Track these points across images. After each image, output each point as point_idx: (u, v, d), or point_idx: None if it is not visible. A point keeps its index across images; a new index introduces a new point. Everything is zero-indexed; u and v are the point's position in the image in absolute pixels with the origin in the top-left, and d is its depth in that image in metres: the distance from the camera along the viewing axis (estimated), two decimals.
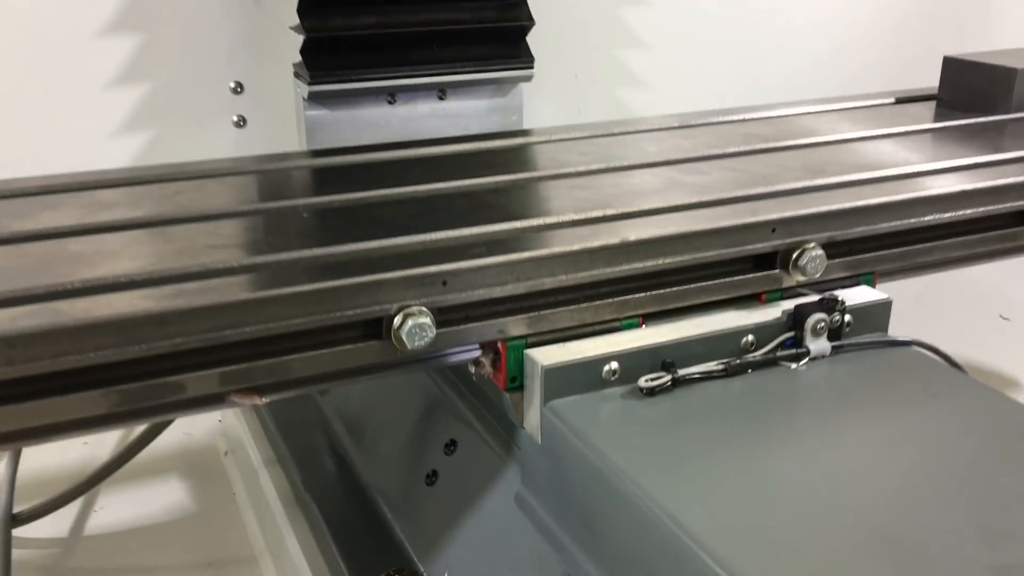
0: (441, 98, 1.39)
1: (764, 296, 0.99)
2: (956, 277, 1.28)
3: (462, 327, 0.86)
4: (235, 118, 1.63)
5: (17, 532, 1.25)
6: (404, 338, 0.82)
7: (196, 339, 0.76)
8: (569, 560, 0.85)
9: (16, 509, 1.26)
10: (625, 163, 1.13)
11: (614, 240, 0.90)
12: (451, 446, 1.07)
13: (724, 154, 1.17)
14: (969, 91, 1.43)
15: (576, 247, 0.88)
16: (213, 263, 0.83)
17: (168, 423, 1.30)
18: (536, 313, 0.89)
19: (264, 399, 0.82)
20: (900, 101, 1.48)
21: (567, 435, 0.84)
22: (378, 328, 0.83)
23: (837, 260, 1.01)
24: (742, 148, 1.19)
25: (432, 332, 0.83)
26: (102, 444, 1.51)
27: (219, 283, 0.80)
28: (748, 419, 0.85)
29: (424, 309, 0.83)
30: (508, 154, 1.20)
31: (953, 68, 1.46)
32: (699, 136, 1.26)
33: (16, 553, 1.23)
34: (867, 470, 0.77)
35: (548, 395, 0.87)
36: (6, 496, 1.25)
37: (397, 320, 0.82)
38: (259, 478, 1.28)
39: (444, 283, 0.84)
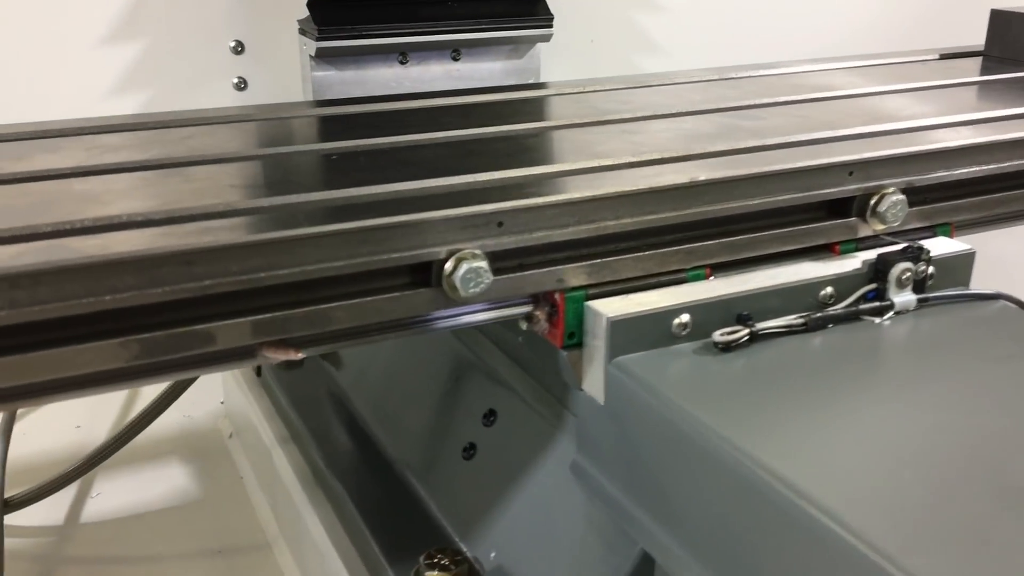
0: (455, 58, 1.31)
1: (838, 247, 0.90)
2: None
3: (517, 275, 0.77)
4: (236, 80, 1.53)
5: (8, 520, 1.15)
6: (458, 284, 0.73)
7: (226, 282, 0.66)
8: (640, 531, 0.76)
9: (7, 494, 1.16)
10: (673, 111, 1.04)
11: (683, 179, 0.81)
12: (490, 416, 0.98)
13: (777, 102, 1.09)
14: (1017, 44, 1.35)
15: (642, 186, 0.79)
16: (239, 202, 0.74)
17: (182, 389, 1.21)
18: (598, 261, 0.80)
19: (300, 354, 0.73)
20: (944, 57, 1.40)
21: (637, 393, 0.75)
22: (426, 275, 0.74)
23: (914, 209, 0.92)
24: (794, 97, 1.11)
25: (488, 278, 0.73)
26: (96, 428, 1.42)
27: (248, 221, 0.70)
28: (836, 375, 0.76)
29: (478, 252, 0.73)
30: (542, 102, 1.11)
31: (1001, 21, 1.38)
32: (744, 87, 1.18)
33: (8, 542, 1.12)
34: (974, 425, 0.68)
35: (613, 351, 0.78)
36: None
37: (449, 265, 0.73)
38: (272, 457, 1.18)
39: (500, 224, 0.75)
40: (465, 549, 0.91)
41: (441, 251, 0.73)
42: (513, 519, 0.90)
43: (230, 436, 1.44)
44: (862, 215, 0.90)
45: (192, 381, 1.26)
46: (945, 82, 1.22)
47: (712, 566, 0.69)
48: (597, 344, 0.79)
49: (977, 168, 0.94)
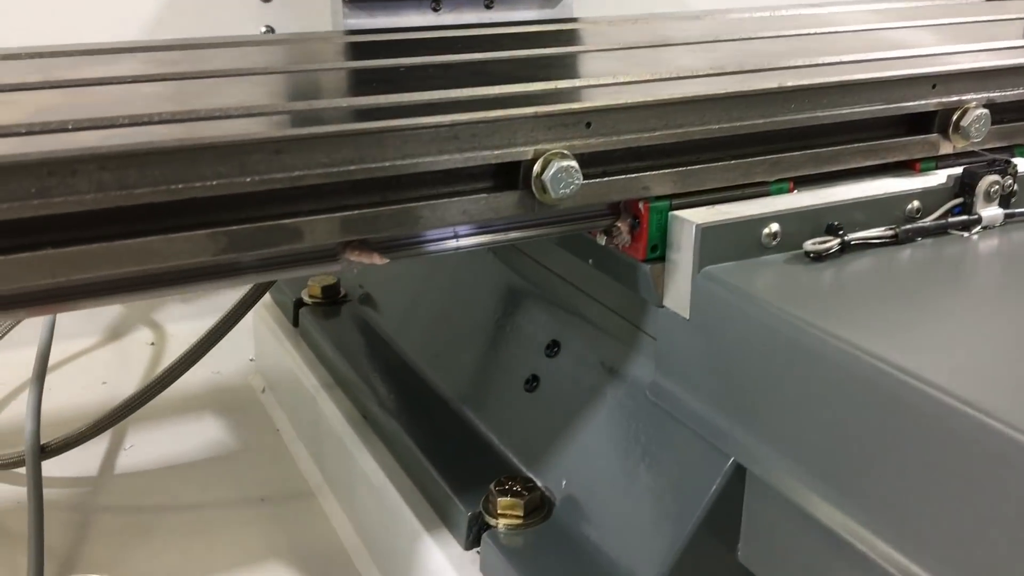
0: (488, 6, 1.27)
1: (919, 165, 0.88)
2: None
3: (603, 180, 0.74)
4: (263, 28, 1.49)
5: (44, 471, 1.11)
6: (548, 184, 0.70)
7: (315, 175, 0.63)
8: (733, 444, 0.73)
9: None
10: (739, 36, 1.01)
11: (771, 84, 0.78)
12: (553, 347, 0.95)
13: (844, 31, 1.06)
14: None
15: (731, 89, 0.77)
16: (319, 103, 0.70)
17: (211, 344, 1.17)
18: (683, 169, 0.77)
19: (384, 259, 0.70)
20: None
21: (731, 301, 0.72)
22: (513, 177, 0.71)
23: (993, 128, 0.90)
24: (857, 28, 1.08)
25: (579, 178, 0.71)
26: (122, 384, 1.38)
27: (333, 116, 0.67)
28: (930, 284, 0.74)
29: (567, 153, 0.70)
30: (602, 29, 1.08)
31: None
32: (801, 21, 1.15)
33: (45, 493, 1.08)
34: None
35: (702, 261, 0.75)
36: (32, 424, 1.11)
37: (539, 166, 0.70)
38: (317, 403, 1.15)
39: (588, 125, 0.72)
40: (534, 478, 0.88)
41: (528, 151, 0.70)
42: (583, 447, 0.87)
43: (263, 391, 1.40)
44: (944, 131, 0.87)
45: (221, 336, 1.23)
46: (1005, 17, 1.20)
47: (815, 468, 0.66)
48: (682, 256, 0.76)
49: None
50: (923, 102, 0.85)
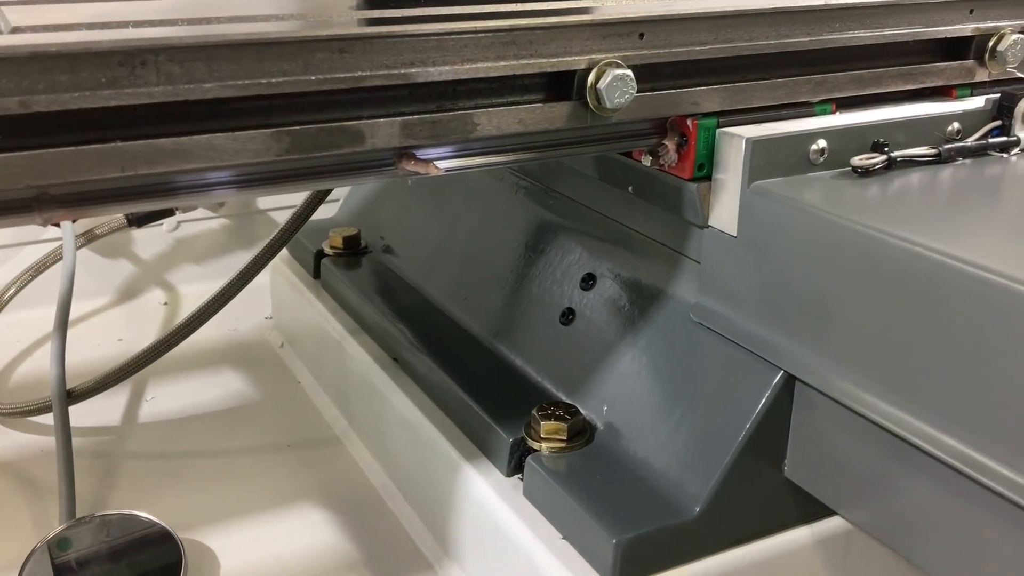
0: None
1: (955, 91, 0.88)
2: None
3: (655, 94, 0.74)
4: None
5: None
6: (604, 93, 0.70)
7: (378, 75, 0.63)
8: (783, 355, 0.74)
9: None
10: None
11: (817, 1, 0.78)
12: (588, 280, 0.95)
13: None
14: None
15: (778, 4, 0.77)
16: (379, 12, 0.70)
17: (227, 299, 1.17)
18: (731, 85, 0.77)
19: (440, 169, 0.70)
20: None
21: (782, 213, 0.73)
22: (568, 87, 0.71)
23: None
24: None
25: (634, 88, 0.71)
26: (138, 343, 1.37)
27: (394, 20, 0.67)
28: (976, 199, 0.74)
29: (621, 62, 0.71)
30: None
31: None
32: None
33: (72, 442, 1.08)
34: None
35: (752, 175, 0.75)
36: (57, 369, 1.11)
37: (593, 75, 0.70)
38: (344, 348, 1.15)
39: (641, 36, 0.72)
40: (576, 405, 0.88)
41: (583, 60, 0.70)
42: (623, 374, 0.87)
43: (281, 346, 1.40)
44: (980, 58, 0.88)
45: (239, 290, 1.22)
46: None
47: (872, 368, 0.67)
48: (730, 172, 0.77)
49: None
50: (960, 26, 0.86)
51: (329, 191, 1.21)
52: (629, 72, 0.70)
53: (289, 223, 1.18)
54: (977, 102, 0.85)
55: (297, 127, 0.62)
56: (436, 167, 0.69)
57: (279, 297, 1.41)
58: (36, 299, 1.36)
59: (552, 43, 0.69)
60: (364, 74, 0.63)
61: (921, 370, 0.64)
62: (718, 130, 0.78)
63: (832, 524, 0.82)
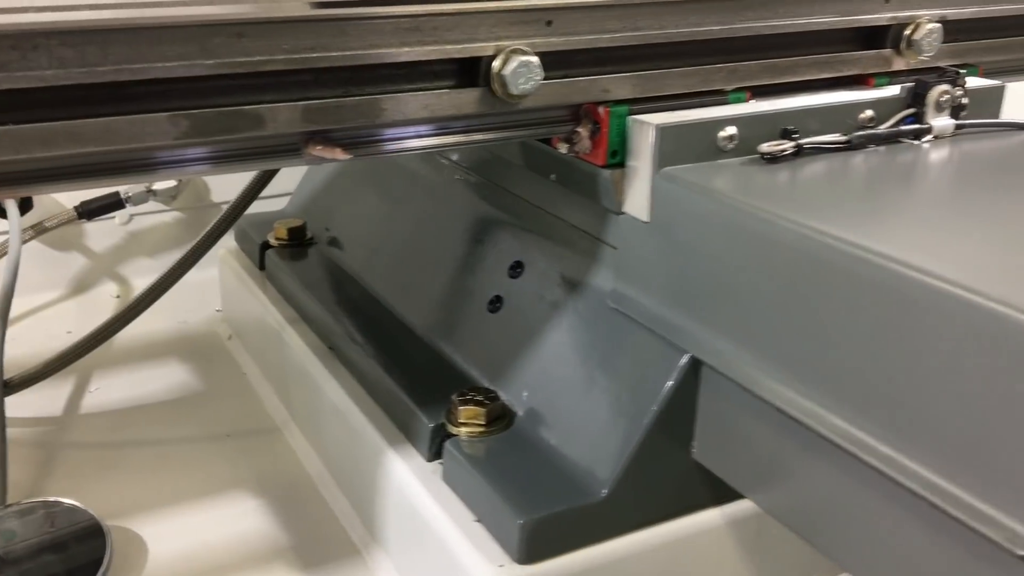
0: None
1: (873, 80, 0.90)
2: None
3: (564, 81, 0.75)
4: None
5: (7, 411, 1.10)
6: (508, 79, 0.71)
7: (278, 60, 0.64)
8: (689, 339, 0.75)
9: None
10: None
11: None
12: (516, 268, 0.96)
13: None
14: None
15: None
16: None
17: (176, 277, 1.17)
18: (642, 73, 0.78)
19: (347, 154, 0.71)
20: None
21: (689, 198, 0.74)
22: (475, 74, 0.72)
23: (945, 46, 0.92)
24: None
25: (539, 74, 0.72)
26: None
27: (293, 5, 0.68)
28: (883, 186, 0.75)
29: (527, 49, 0.72)
30: None
31: None
32: None
33: (8, 432, 1.08)
34: None
35: (661, 161, 0.76)
36: None
37: (499, 61, 0.71)
38: (282, 337, 1.15)
39: (549, 23, 0.73)
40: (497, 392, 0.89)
41: (489, 47, 0.71)
42: (544, 360, 0.88)
43: (229, 338, 1.40)
44: (896, 46, 0.89)
45: (179, 277, 1.23)
46: None
47: (771, 352, 0.68)
48: (641, 161, 0.78)
49: (1009, 6, 0.94)
50: (876, 16, 0.87)
51: (272, 174, 1.21)
52: (535, 59, 0.71)
53: (229, 211, 1.18)
54: (893, 90, 0.87)
55: (195, 111, 0.63)
56: (343, 152, 0.70)
57: (227, 289, 1.42)
58: None
59: (457, 29, 0.70)
60: (263, 59, 0.63)
61: (815, 353, 0.65)
62: (629, 117, 0.78)
63: (744, 506, 0.83)
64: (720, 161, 0.79)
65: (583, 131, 0.79)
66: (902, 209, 0.71)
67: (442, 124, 0.74)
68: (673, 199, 0.76)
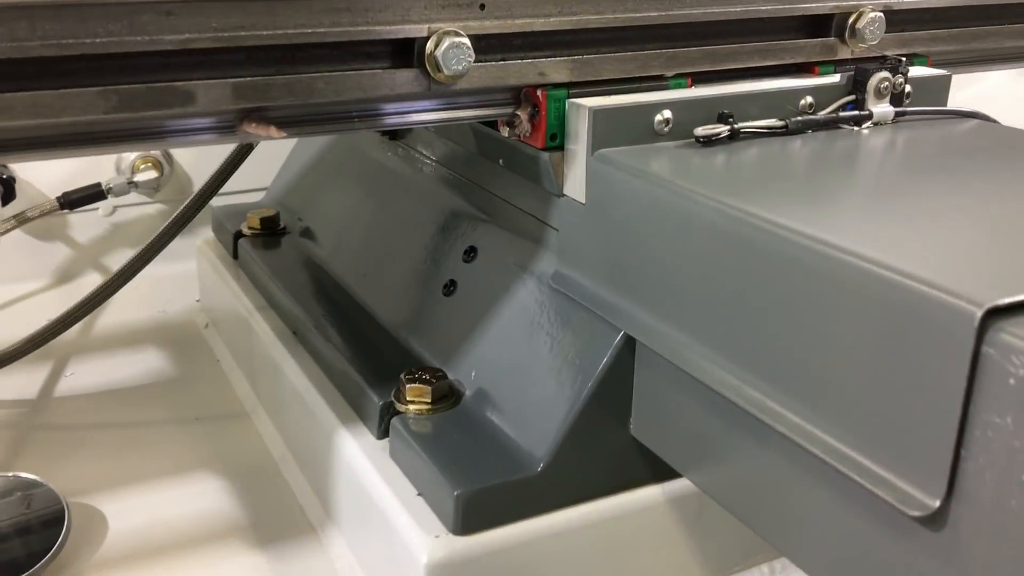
0: None
1: (818, 69, 0.91)
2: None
3: (500, 63, 0.77)
4: None
5: None
6: (440, 60, 0.72)
7: (205, 38, 0.66)
8: (623, 317, 0.76)
9: None
10: None
11: None
12: (470, 253, 0.98)
13: None
14: None
15: None
16: None
17: (158, 250, 1.20)
18: (579, 57, 0.80)
19: (281, 133, 0.72)
20: None
21: (620, 178, 0.75)
22: (409, 55, 0.74)
23: (891, 35, 0.93)
24: None
25: (471, 56, 0.73)
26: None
27: None
28: (818, 171, 0.77)
29: (460, 32, 0.73)
30: None
31: None
32: None
33: None
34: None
35: (596, 143, 0.78)
36: None
37: (432, 43, 0.73)
38: (250, 323, 1.17)
39: (482, 7, 0.75)
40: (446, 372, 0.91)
41: (423, 28, 0.73)
42: (491, 340, 0.89)
43: (206, 326, 1.42)
44: (840, 35, 0.90)
45: (154, 256, 1.26)
46: None
47: (697, 331, 0.69)
48: (579, 138, 0.79)
49: None
50: (819, 4, 0.88)
51: (243, 156, 1.24)
52: (466, 40, 0.73)
53: (201, 192, 1.21)
54: (833, 79, 0.88)
55: (125, 86, 0.65)
56: (277, 131, 0.72)
57: (204, 278, 1.44)
58: None
59: (388, 11, 0.71)
60: (192, 36, 0.65)
61: (732, 327, 0.66)
62: (568, 101, 0.80)
63: (685, 484, 0.84)
64: (656, 144, 0.80)
65: (523, 114, 0.81)
66: (823, 189, 0.72)
67: (381, 104, 0.76)
68: (606, 180, 0.77)
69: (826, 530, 0.62)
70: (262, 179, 1.50)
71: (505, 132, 0.84)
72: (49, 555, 0.90)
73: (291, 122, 0.73)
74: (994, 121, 0.90)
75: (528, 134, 0.82)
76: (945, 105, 0.92)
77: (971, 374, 0.50)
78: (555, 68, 0.79)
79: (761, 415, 0.63)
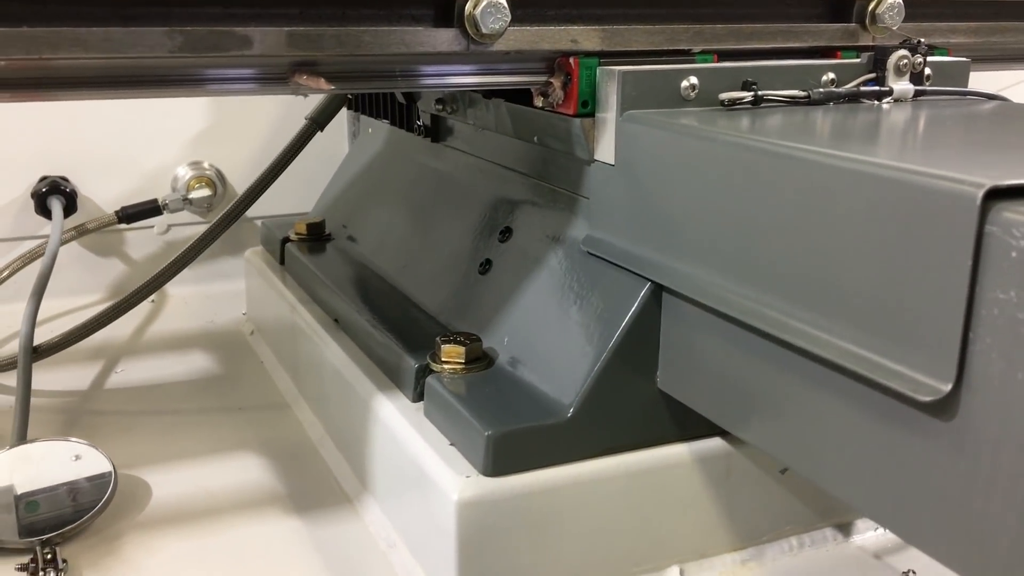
0: None
1: (840, 54, 0.95)
2: None
3: (534, 27, 0.82)
4: None
5: (36, 384, 1.17)
6: (479, 18, 0.78)
7: None
8: (652, 268, 0.80)
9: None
10: None
11: None
12: (506, 233, 1.02)
13: None
14: None
15: None
16: None
17: (206, 245, 1.25)
18: (610, 27, 0.85)
19: (330, 85, 0.78)
20: None
21: (647, 133, 0.79)
22: (450, 14, 0.79)
23: (910, 24, 0.97)
24: None
25: (507, 15, 0.78)
26: (120, 333, 1.45)
27: None
28: (839, 136, 0.80)
29: None
30: None
31: None
32: None
33: (34, 401, 1.15)
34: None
35: (625, 105, 0.82)
36: (27, 327, 1.19)
37: (471, 3, 0.78)
38: (294, 318, 1.22)
39: None
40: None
41: None
42: (524, 308, 0.92)
43: (251, 333, 1.47)
44: (861, 21, 0.94)
45: (210, 244, 1.32)
46: None
47: (720, 265, 0.72)
48: (609, 110, 0.84)
49: None
50: None
51: (286, 163, 1.30)
52: (503, 0, 0.78)
53: (247, 193, 1.27)
54: (855, 60, 0.92)
55: (190, 28, 0.70)
56: (327, 83, 0.77)
57: (251, 287, 1.49)
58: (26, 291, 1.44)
59: None
60: None
61: (752, 251, 0.69)
62: (599, 68, 0.85)
63: (713, 444, 0.86)
64: (683, 109, 0.84)
65: (556, 82, 0.86)
66: (841, 133, 0.76)
67: (423, 64, 0.81)
68: (634, 137, 0.81)
69: (848, 443, 0.64)
70: (307, 203, 1.56)
71: (539, 102, 0.88)
72: (94, 511, 0.93)
73: (339, 76, 0.78)
74: (1014, 104, 0.93)
75: (561, 101, 0.86)
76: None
77: (976, 253, 0.52)
78: (587, 36, 0.84)
79: (781, 333, 0.65)
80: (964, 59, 0.96)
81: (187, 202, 1.60)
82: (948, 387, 0.54)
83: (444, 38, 0.79)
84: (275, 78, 0.77)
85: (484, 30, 0.78)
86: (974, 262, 0.52)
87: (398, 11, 0.78)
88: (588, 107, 0.85)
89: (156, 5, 0.69)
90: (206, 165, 1.65)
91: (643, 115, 0.81)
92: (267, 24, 0.73)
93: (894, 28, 0.94)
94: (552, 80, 0.86)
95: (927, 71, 0.92)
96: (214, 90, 0.75)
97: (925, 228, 0.55)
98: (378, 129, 1.41)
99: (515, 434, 0.79)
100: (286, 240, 1.38)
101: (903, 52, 0.89)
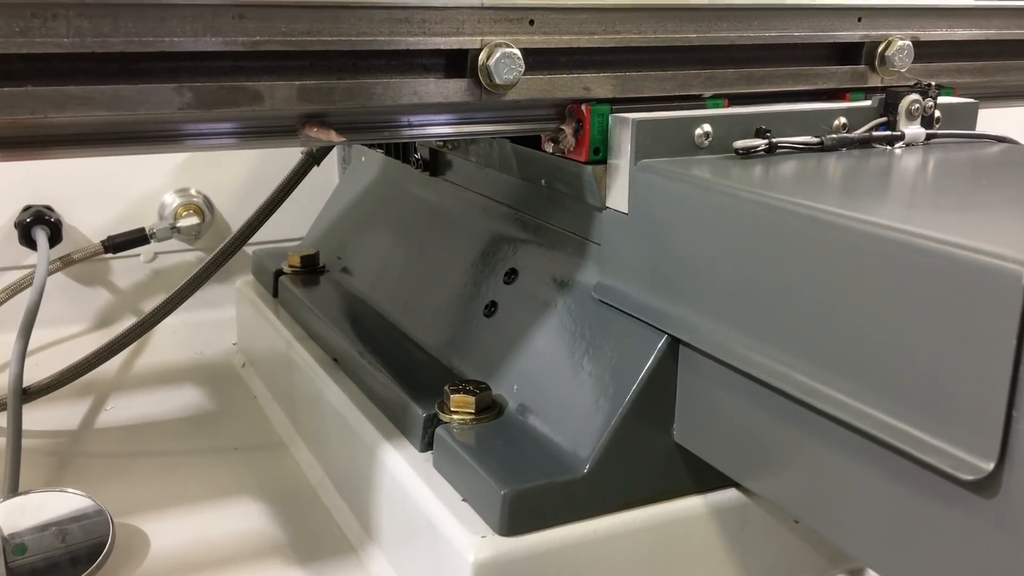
0: None
1: (849, 95, 0.94)
2: None
3: (547, 76, 0.81)
4: None
5: (25, 425, 1.14)
6: (492, 69, 0.76)
7: (275, 40, 0.70)
8: (669, 321, 0.78)
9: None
10: None
11: (703, 1, 0.85)
12: (511, 275, 1.00)
13: None
14: None
15: (665, 2, 0.84)
16: None
17: (195, 288, 1.23)
18: (622, 74, 0.84)
19: (341, 137, 0.76)
20: None
21: (663, 185, 0.78)
22: (462, 66, 0.77)
23: (919, 65, 0.96)
24: None
25: (521, 66, 0.77)
26: (109, 365, 1.42)
27: None
28: (853, 184, 0.79)
29: (511, 44, 0.77)
30: None
31: None
32: None
33: (24, 443, 1.12)
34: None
35: (639, 154, 0.81)
36: (16, 367, 1.16)
37: (484, 54, 0.76)
38: (290, 355, 1.20)
39: (531, 22, 0.79)
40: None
41: (476, 41, 0.77)
42: (533, 355, 0.91)
43: (243, 365, 1.44)
44: (871, 63, 0.94)
45: (203, 282, 1.29)
46: None
47: (742, 323, 0.71)
48: (622, 155, 0.82)
49: (978, 31, 0.99)
50: (849, 33, 0.92)
51: (281, 199, 1.28)
52: (517, 51, 0.77)
53: (242, 229, 1.25)
54: (865, 103, 0.91)
55: (199, 83, 0.68)
56: (337, 135, 0.75)
57: (242, 318, 1.47)
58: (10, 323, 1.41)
59: (444, 23, 0.75)
60: (262, 39, 0.69)
61: (776, 313, 0.68)
62: (611, 115, 0.83)
63: (728, 496, 0.85)
64: (696, 157, 0.83)
65: (567, 129, 0.84)
66: (861, 187, 0.75)
67: (435, 113, 0.79)
68: (648, 187, 0.80)
69: (878, 511, 0.63)
70: (298, 229, 1.54)
71: (549, 148, 0.87)
72: (92, 567, 0.91)
73: (350, 128, 0.76)
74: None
75: (572, 148, 0.85)
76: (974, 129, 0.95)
77: (1020, 331, 0.51)
78: (599, 84, 0.83)
79: (809, 399, 0.64)
80: (972, 100, 0.96)
81: (175, 230, 1.57)
82: (991, 466, 0.53)
83: (456, 88, 0.77)
84: (284, 130, 0.75)
85: (498, 80, 0.76)
86: (1018, 340, 0.51)
87: (409, 61, 0.76)
88: (600, 154, 0.84)
89: (164, 60, 0.67)
90: (193, 192, 1.62)
91: (660, 165, 0.80)
92: (277, 77, 0.71)
93: (903, 71, 0.94)
94: (563, 127, 0.84)
95: (937, 114, 0.92)
96: (221, 144, 0.73)
97: (967, 302, 0.54)
98: (372, 159, 1.39)
99: (531, 492, 0.78)
100: (279, 272, 1.36)
101: (915, 96, 0.89)
